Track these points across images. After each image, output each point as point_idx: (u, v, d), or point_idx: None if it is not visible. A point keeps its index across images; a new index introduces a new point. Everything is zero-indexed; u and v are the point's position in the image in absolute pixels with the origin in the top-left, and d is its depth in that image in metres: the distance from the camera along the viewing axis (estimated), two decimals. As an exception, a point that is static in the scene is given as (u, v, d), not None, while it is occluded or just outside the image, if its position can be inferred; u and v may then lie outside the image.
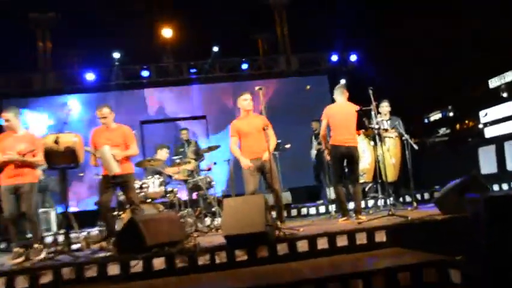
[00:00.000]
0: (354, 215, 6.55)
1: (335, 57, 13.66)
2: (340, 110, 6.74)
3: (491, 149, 10.17)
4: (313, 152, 10.08)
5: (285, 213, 8.55)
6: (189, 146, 9.10)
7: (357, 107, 6.67)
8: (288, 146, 9.38)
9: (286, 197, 9.01)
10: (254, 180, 6.25)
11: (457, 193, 5.53)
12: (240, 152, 6.35)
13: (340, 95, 6.87)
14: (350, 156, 6.57)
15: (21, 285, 4.80)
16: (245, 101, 6.45)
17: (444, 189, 6.07)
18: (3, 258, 6.06)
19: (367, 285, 4.07)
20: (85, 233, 6.00)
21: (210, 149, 8.16)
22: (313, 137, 10.09)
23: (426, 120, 14.27)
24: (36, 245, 5.99)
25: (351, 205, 7.27)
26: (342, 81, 12.47)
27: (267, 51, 14.19)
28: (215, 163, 8.30)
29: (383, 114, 7.90)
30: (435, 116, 14.06)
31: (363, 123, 6.49)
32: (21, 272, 4.89)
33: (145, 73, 13.30)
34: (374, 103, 6.57)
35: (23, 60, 13.13)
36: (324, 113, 6.84)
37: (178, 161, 7.88)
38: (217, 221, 7.55)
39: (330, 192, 8.62)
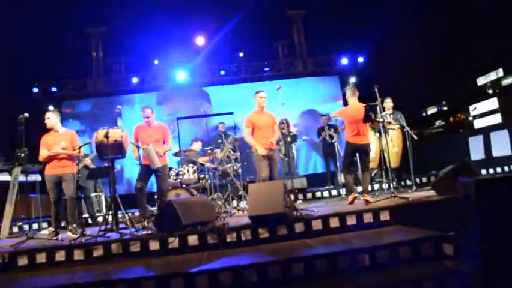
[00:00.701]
0: (361, 196, 6.45)
1: (345, 60, 13.54)
2: (354, 112, 6.54)
3: (480, 138, 10.10)
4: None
5: (301, 196, 8.53)
6: (227, 138, 9.04)
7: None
8: (306, 137, 9.28)
9: (302, 182, 8.92)
10: (266, 167, 6.19)
11: (451, 177, 5.42)
12: (254, 140, 6.30)
13: (352, 96, 6.69)
14: (362, 150, 6.48)
15: (78, 257, 4.86)
16: (261, 98, 6.39)
17: (439, 173, 6.00)
18: (63, 235, 6.13)
19: (373, 258, 3.98)
20: (129, 214, 5.99)
21: (236, 140, 8.14)
22: (321, 130, 9.97)
23: (424, 114, 14.12)
24: (74, 225, 6.18)
25: (359, 189, 7.18)
26: (352, 80, 12.36)
27: (285, 56, 14.10)
28: (241, 153, 8.26)
29: (386, 109, 7.83)
30: (432, 110, 13.95)
31: (370, 117, 6.36)
32: (78, 247, 4.94)
33: (180, 76, 13.34)
34: (379, 99, 6.46)
35: (79, 67, 13.33)
36: (340, 111, 6.83)
37: (209, 151, 7.86)
38: (243, 203, 7.52)
39: (341, 178, 8.53)
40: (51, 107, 12.46)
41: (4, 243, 5.97)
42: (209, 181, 7.58)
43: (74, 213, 6.28)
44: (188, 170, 7.41)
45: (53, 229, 6.09)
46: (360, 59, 13.45)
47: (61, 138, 6.14)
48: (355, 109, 6.58)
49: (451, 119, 13.36)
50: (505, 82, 10.90)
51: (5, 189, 7.23)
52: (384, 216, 5.07)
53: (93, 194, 8.51)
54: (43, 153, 6.12)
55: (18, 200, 7.29)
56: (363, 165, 6.55)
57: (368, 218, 5.06)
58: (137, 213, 7.53)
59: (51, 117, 6.23)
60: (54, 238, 5.65)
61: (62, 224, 8.16)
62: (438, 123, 13.42)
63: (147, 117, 6.40)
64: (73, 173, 6.16)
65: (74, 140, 6.24)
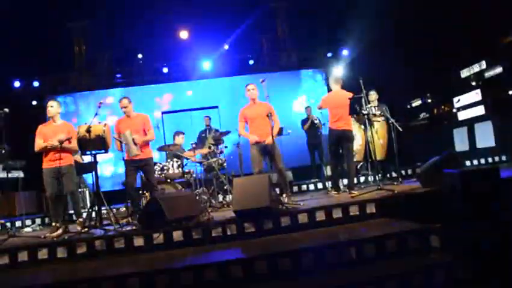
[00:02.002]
0: (347, 190, 6.44)
1: (329, 53, 13.51)
2: (336, 97, 6.64)
3: (464, 130, 10.16)
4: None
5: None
6: (210, 132, 8.96)
7: (350, 94, 6.53)
8: (289, 131, 9.22)
9: (288, 175, 8.87)
10: (260, 162, 6.13)
11: (436, 169, 5.43)
12: (247, 133, 6.26)
13: (335, 83, 6.79)
14: (344, 137, 6.49)
15: (61, 254, 4.78)
16: (249, 90, 6.33)
17: (424, 165, 6.00)
18: (46, 232, 6.02)
19: (359, 251, 3.96)
20: (114, 210, 5.91)
21: (221, 134, 8.06)
22: (305, 121, 9.97)
23: (408, 106, 14.18)
24: (80, 219, 6.04)
25: (345, 181, 7.17)
26: (337, 73, 12.36)
27: (270, 49, 14.01)
28: (226, 147, 8.19)
29: (371, 101, 7.80)
30: (416, 102, 14.00)
31: (355, 109, 6.34)
32: (61, 244, 4.86)
33: (164, 69, 13.19)
34: (364, 91, 6.44)
35: (61, 61, 13.09)
36: (323, 99, 6.83)
37: (194, 145, 7.77)
38: (228, 197, 7.46)
39: (327, 170, 8.53)
40: (34, 102, 12.26)
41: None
42: (194, 175, 7.50)
43: (79, 207, 6.16)
44: (173, 165, 7.31)
45: (57, 224, 5.81)
46: (345, 52, 13.43)
47: (59, 130, 5.94)
48: (337, 95, 6.66)
49: (435, 111, 13.44)
50: (487, 74, 10.97)
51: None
52: (370, 209, 5.07)
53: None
54: (39, 143, 5.89)
55: (0, 198, 7.15)
56: (348, 155, 6.55)
57: (354, 211, 5.06)
58: (123, 209, 7.45)
59: (55, 106, 6.07)
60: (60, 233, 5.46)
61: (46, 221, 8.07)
62: (422, 115, 13.48)
63: (124, 107, 6.27)
64: (72, 164, 6.00)
65: (71, 132, 5.99)
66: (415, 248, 4.03)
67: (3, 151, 6.03)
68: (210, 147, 8.03)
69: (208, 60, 13.14)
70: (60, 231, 5.53)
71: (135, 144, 5.98)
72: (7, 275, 4.48)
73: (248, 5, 12.21)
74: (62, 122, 6.18)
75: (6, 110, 5.81)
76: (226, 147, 8.12)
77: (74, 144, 5.88)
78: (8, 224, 7.79)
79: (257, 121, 6.22)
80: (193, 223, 5.01)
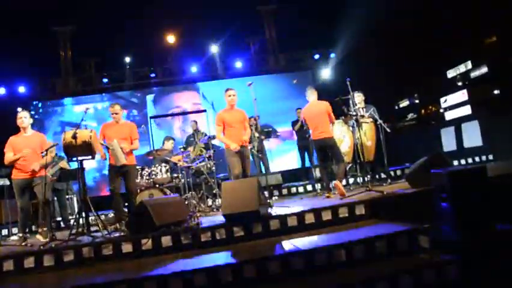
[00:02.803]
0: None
1: (316, 55, 13.55)
2: (312, 107, 6.80)
3: (451, 129, 10.22)
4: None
5: (276, 192, 8.49)
6: (198, 136, 8.92)
7: (326, 103, 6.66)
8: (279, 133, 9.23)
9: (277, 177, 8.86)
10: (238, 165, 6.15)
11: (424, 169, 5.44)
12: (225, 138, 6.26)
13: (311, 95, 6.92)
14: (328, 145, 6.63)
15: (47, 263, 4.70)
16: (229, 96, 6.36)
17: (413, 166, 6.03)
18: (34, 239, 5.94)
19: (349, 254, 3.95)
20: (101, 216, 5.85)
21: (210, 139, 8.03)
22: (295, 122, 9.99)
23: (396, 107, 14.26)
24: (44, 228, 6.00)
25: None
26: (325, 74, 12.44)
27: (257, 52, 14.01)
28: (214, 150, 8.15)
29: (357, 103, 7.80)
30: (404, 103, 14.11)
31: (342, 110, 6.38)
32: (48, 252, 4.78)
33: (152, 74, 13.15)
34: (351, 93, 6.47)
35: (47, 67, 12.97)
36: (302, 112, 7.02)
37: (182, 150, 7.73)
38: (217, 201, 7.42)
39: (316, 172, 8.53)
40: (20, 109, 12.09)
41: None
42: (182, 180, 7.45)
43: (46, 217, 6.06)
44: (161, 170, 7.26)
45: (20, 235, 5.87)
46: (333, 54, 13.49)
47: (29, 141, 5.91)
48: (312, 105, 6.81)
49: (423, 111, 13.55)
50: (473, 74, 11.09)
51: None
52: (360, 210, 5.07)
53: (66, 197, 8.30)
54: (8, 156, 5.87)
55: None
56: (336, 158, 6.64)
57: (343, 212, 5.05)
58: (111, 215, 7.37)
59: (27, 117, 6.04)
60: (23, 244, 5.44)
61: (33, 228, 7.96)
62: (410, 115, 13.60)
63: (115, 114, 6.25)
64: (42, 176, 5.92)
65: (43, 143, 6.03)
66: (405, 249, 4.03)
67: (-12, 159, 5.94)
68: (201, 151, 8.00)
69: (196, 64, 13.11)
70: (28, 241, 5.53)
71: (123, 153, 5.94)
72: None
73: (235, 8, 12.20)
74: (32, 132, 6.14)
75: (-9, 116, 5.74)
76: (214, 151, 8.09)
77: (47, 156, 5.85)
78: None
79: (234, 126, 6.27)
80: (182, 228, 4.96)
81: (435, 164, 5.41)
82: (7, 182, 7.61)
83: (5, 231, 7.84)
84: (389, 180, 7.40)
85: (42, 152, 5.69)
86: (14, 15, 10.94)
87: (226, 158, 6.26)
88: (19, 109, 6.29)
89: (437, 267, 3.61)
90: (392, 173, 8.82)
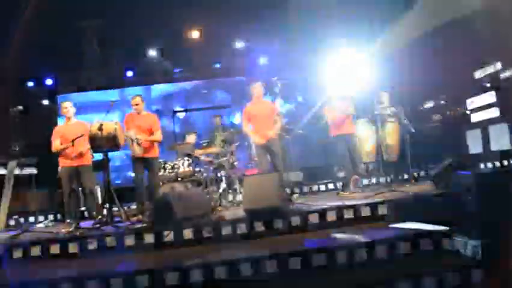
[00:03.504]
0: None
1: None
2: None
3: (477, 132, 9.99)
4: None
5: (297, 190, 8.46)
6: (219, 131, 8.97)
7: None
8: (300, 131, 9.17)
9: (298, 175, 8.84)
10: (265, 160, 6.15)
11: (450, 171, 5.38)
12: (251, 132, 6.28)
13: None
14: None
15: (72, 250, 4.81)
16: (255, 88, 6.33)
17: (438, 167, 5.94)
18: (58, 228, 6.08)
19: (371, 253, 3.92)
20: (125, 207, 5.96)
21: (235, 132, 8.06)
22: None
23: (420, 108, 14.06)
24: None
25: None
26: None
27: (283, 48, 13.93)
28: (237, 146, 8.18)
29: (383, 102, 7.71)
30: (429, 104, 13.87)
31: (367, 109, 6.33)
32: (72, 240, 4.89)
33: (176, 69, 13.23)
34: (377, 92, 6.41)
35: (74, 60, 13.19)
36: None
37: (205, 144, 7.78)
38: (239, 197, 7.44)
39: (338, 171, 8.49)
40: (46, 102, 12.38)
41: (0, 236, 5.93)
42: (205, 174, 7.50)
43: (95, 205, 6.30)
44: (183, 163, 7.32)
45: (68, 220, 5.97)
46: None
47: (75, 129, 6.03)
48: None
49: (448, 112, 13.31)
50: (503, 75, 10.83)
51: (1, 183, 7.15)
52: (382, 210, 5.02)
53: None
54: (56, 144, 6.05)
55: (14, 194, 7.23)
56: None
57: (365, 211, 5.01)
58: (133, 207, 7.48)
59: (71, 106, 6.23)
60: (70, 230, 5.45)
61: (58, 217, 8.14)
62: (435, 117, 13.36)
63: (136, 105, 6.33)
64: (89, 164, 6.13)
65: (86, 131, 6.04)
66: (428, 251, 3.99)
67: (17, 148, 6.12)
68: (222, 146, 8.03)
69: (220, 59, 13.14)
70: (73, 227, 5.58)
71: (138, 144, 6.00)
72: (20, 268, 4.52)
73: (262, 4, 12.17)
74: (76, 121, 6.28)
75: (20, 107, 5.91)
76: (237, 146, 8.11)
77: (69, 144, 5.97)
78: (22, 220, 7.89)
79: (260, 119, 6.27)
80: (203, 221, 5.00)
81: (461, 166, 5.35)
82: (35, 171, 7.79)
83: (31, 219, 8.03)
84: (412, 181, 7.31)
85: (73, 141, 5.79)
86: (41, 9, 11.16)
87: (254, 153, 6.30)
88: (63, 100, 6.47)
89: (461, 271, 3.56)
90: (415, 174, 8.72)
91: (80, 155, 6.01)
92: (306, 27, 12.68)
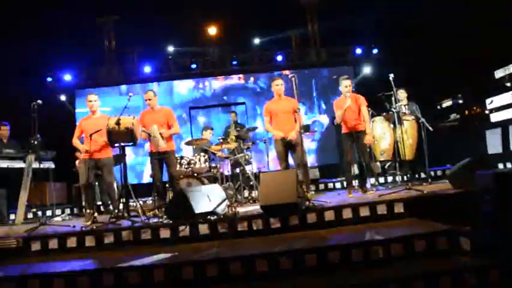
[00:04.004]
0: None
1: (359, 50, 13.32)
2: (342, 105, 6.61)
3: (497, 131, 9.86)
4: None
5: (313, 187, 8.45)
6: (233, 128, 9.02)
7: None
8: (315, 130, 9.16)
9: (314, 173, 8.83)
10: (285, 157, 6.18)
11: (467, 170, 5.30)
12: (272, 128, 6.28)
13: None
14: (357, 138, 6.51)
15: (89, 243, 4.88)
16: (277, 86, 6.34)
17: (455, 166, 5.86)
18: (75, 221, 6.18)
19: (386, 251, 3.90)
20: (141, 202, 6.01)
21: (249, 130, 8.08)
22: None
23: (438, 107, 13.90)
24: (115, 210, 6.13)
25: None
26: (367, 71, 12.26)
27: (299, 45, 13.92)
28: (253, 142, 8.20)
29: (400, 99, 7.66)
30: (447, 103, 13.71)
31: (384, 107, 6.28)
32: (89, 233, 4.97)
33: (193, 65, 13.28)
34: (394, 89, 6.33)
35: (92, 56, 13.35)
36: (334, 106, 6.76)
37: (221, 140, 7.81)
38: (254, 193, 7.46)
39: (354, 169, 8.43)
40: (63, 97, 12.54)
41: (19, 228, 6.04)
42: (220, 170, 7.53)
43: (113, 199, 6.31)
44: (199, 159, 7.36)
45: (88, 211, 6.04)
46: (375, 50, 13.24)
47: (98, 122, 6.08)
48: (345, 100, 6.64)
49: (467, 112, 13.12)
50: (525, 76, 10.63)
51: (20, 176, 7.28)
52: (398, 208, 4.98)
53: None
54: (74, 139, 6.22)
55: (32, 187, 7.35)
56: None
57: (381, 209, 4.99)
58: (149, 202, 7.56)
59: (97, 100, 6.31)
60: (90, 222, 5.51)
61: (75, 211, 8.26)
62: (453, 116, 13.20)
63: (149, 100, 6.38)
64: (109, 157, 6.21)
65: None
66: (444, 250, 3.95)
67: (36, 142, 6.21)
68: (236, 141, 8.06)
69: (237, 56, 13.15)
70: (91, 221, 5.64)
71: (162, 138, 6.07)
72: (39, 261, 4.60)
73: (278, 1, 12.16)
74: (100, 114, 6.36)
75: (40, 101, 5.99)
76: (253, 143, 8.13)
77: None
78: (39, 213, 8.02)
79: (281, 116, 6.26)
80: (219, 217, 5.03)
81: (479, 166, 5.28)
82: (52, 165, 7.91)
83: (49, 212, 8.15)
84: (429, 180, 7.24)
85: (91, 135, 5.86)
86: (59, 5, 11.30)
87: (275, 149, 6.32)
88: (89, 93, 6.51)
89: (478, 271, 3.52)
90: (432, 173, 8.65)
91: (101, 148, 6.09)
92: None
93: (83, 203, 7.84)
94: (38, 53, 11.75)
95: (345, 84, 6.48)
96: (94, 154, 6.06)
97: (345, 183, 8.97)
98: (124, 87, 13.28)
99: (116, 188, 8.74)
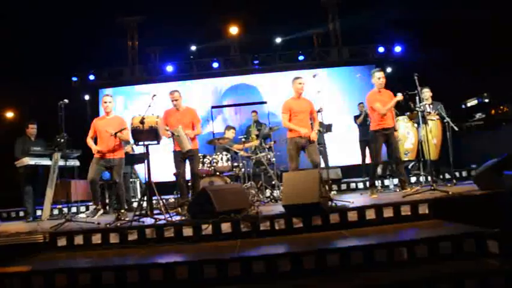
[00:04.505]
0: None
1: (381, 49, 13.19)
2: (382, 98, 6.51)
3: (525, 131, 9.63)
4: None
5: (335, 187, 8.40)
6: (253, 127, 9.04)
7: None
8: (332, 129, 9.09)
9: (337, 172, 8.77)
10: (297, 158, 6.21)
11: (494, 171, 5.17)
12: (293, 124, 6.25)
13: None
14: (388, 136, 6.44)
15: (113, 240, 4.95)
16: (300, 84, 6.33)
17: (481, 167, 5.72)
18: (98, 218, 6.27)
19: (411, 252, 3.84)
20: (164, 200, 6.06)
21: (271, 129, 8.08)
22: (357, 117, 9.81)
23: (463, 106, 13.64)
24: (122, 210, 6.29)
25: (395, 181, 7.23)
26: (388, 70, 12.10)
27: (320, 44, 13.86)
28: (275, 142, 8.19)
29: (424, 99, 7.54)
30: (472, 102, 13.44)
31: (408, 106, 6.19)
32: (113, 230, 5.04)
33: (215, 64, 13.35)
34: (418, 88, 6.23)
35: (115, 56, 13.55)
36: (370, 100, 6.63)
37: (243, 139, 7.84)
38: (276, 192, 7.45)
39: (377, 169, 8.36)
40: (86, 97, 12.75)
41: (45, 224, 6.17)
42: (243, 169, 7.54)
43: (122, 199, 6.49)
44: (222, 158, 7.39)
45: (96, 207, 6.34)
46: (398, 48, 13.09)
47: (111, 123, 6.25)
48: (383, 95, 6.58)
49: (493, 111, 12.85)
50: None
51: (47, 173, 7.43)
52: (423, 209, 4.90)
53: (130, 180, 8.66)
54: (88, 139, 6.37)
55: (58, 184, 7.50)
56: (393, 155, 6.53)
57: (405, 210, 4.91)
58: (171, 200, 7.62)
59: (112, 101, 6.47)
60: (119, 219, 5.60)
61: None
62: (478, 115, 12.94)
63: (175, 100, 6.46)
64: (121, 158, 6.37)
65: (123, 124, 6.36)
66: (471, 252, 3.86)
67: (63, 140, 6.35)
68: (257, 138, 8.08)
69: (258, 55, 13.16)
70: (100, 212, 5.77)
71: (189, 138, 6.13)
72: (64, 256, 4.68)
73: (299, 0, 12.14)
74: (114, 115, 6.49)
75: (66, 100, 6.11)
76: (275, 142, 8.12)
77: (126, 136, 6.26)
78: (65, 209, 8.18)
79: (301, 116, 6.28)
80: (241, 216, 5.03)
81: (507, 166, 5.16)
82: (77, 163, 8.05)
83: (74, 209, 8.30)
84: (454, 181, 7.12)
85: (112, 135, 5.97)
86: (83, 6, 11.49)
87: (287, 149, 6.28)
88: (105, 94, 6.66)
89: (506, 275, 3.43)
90: (457, 173, 8.50)
91: (113, 149, 6.25)
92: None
93: (107, 201, 7.98)
94: (64, 53, 11.98)
95: (378, 76, 6.44)
96: (107, 154, 6.22)
97: (367, 184, 8.93)
98: (146, 86, 13.41)
99: (139, 186, 8.90)
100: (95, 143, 6.35)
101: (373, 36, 13.00)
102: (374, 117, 6.49)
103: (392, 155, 6.51)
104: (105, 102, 6.41)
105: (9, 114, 13.62)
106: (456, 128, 7.03)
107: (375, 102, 6.39)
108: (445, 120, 7.17)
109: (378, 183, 8.13)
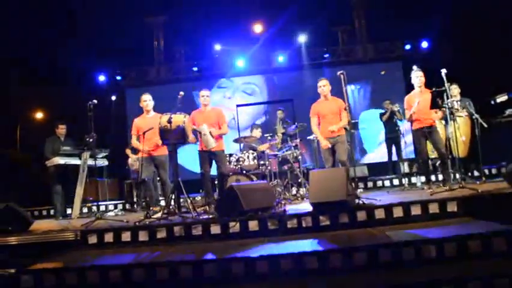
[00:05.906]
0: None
1: (408, 46, 13.00)
2: (421, 97, 6.53)
3: (558, 128, 9.36)
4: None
5: (362, 185, 8.37)
6: (279, 125, 9.08)
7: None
8: (364, 126, 9.05)
9: (363, 170, 8.74)
10: (331, 158, 6.25)
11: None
12: (319, 132, 6.33)
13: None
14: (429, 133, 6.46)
15: (142, 238, 5.04)
16: (320, 87, 6.37)
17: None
18: (128, 216, 6.41)
19: (440, 250, 3.82)
20: (191, 198, 6.15)
21: (297, 128, 8.10)
22: (383, 114, 9.72)
23: (492, 102, 13.34)
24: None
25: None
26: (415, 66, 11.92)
27: (345, 42, 13.76)
28: (301, 140, 8.21)
29: (453, 95, 7.42)
30: (502, 97, 13.12)
31: (436, 103, 6.12)
32: (143, 228, 5.13)
33: (239, 63, 13.37)
34: (446, 85, 6.16)
35: (141, 56, 13.74)
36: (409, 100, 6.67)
37: (269, 138, 7.89)
38: (302, 190, 7.47)
39: (404, 167, 8.29)
40: (113, 97, 12.97)
41: (75, 222, 6.34)
42: (269, 168, 7.59)
43: (151, 197, 6.60)
44: (248, 157, 7.46)
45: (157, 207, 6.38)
46: (425, 44, 12.88)
47: (152, 122, 6.30)
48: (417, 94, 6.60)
49: (523, 106, 12.53)
50: None
51: (76, 172, 7.63)
52: (452, 207, 4.84)
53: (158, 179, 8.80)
54: (133, 139, 6.55)
55: (87, 183, 7.69)
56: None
57: (433, 208, 4.86)
58: (198, 198, 7.73)
59: (151, 100, 6.62)
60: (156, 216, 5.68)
61: (127, 206, 8.55)
62: (508, 111, 12.63)
63: (206, 97, 6.55)
64: (165, 155, 6.47)
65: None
66: (502, 251, 3.81)
67: (92, 140, 6.50)
68: (282, 135, 8.10)
69: (283, 53, 13.15)
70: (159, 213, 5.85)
71: (212, 137, 6.19)
72: (95, 253, 4.80)
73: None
74: (154, 114, 6.57)
75: (95, 101, 6.25)
76: (301, 140, 8.14)
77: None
78: (94, 208, 8.37)
79: (329, 117, 6.29)
80: (268, 213, 5.08)
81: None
82: (106, 163, 8.24)
83: (102, 207, 8.50)
84: (483, 179, 6.99)
85: (144, 132, 6.06)
86: (110, 7, 11.70)
87: (321, 151, 6.37)
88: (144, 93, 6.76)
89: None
90: (486, 171, 8.34)
91: (156, 146, 6.33)
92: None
93: (135, 199, 8.13)
94: (91, 53, 12.23)
95: (417, 75, 6.44)
96: (151, 152, 6.32)
97: (395, 181, 8.87)
98: (172, 86, 13.56)
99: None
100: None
101: (399, 33, 12.80)
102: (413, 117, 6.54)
103: (436, 152, 6.60)
104: (144, 101, 6.53)
105: (39, 115, 13.99)
106: (485, 125, 6.91)
107: (408, 107, 6.52)
108: (474, 117, 7.06)
109: (405, 181, 8.06)
